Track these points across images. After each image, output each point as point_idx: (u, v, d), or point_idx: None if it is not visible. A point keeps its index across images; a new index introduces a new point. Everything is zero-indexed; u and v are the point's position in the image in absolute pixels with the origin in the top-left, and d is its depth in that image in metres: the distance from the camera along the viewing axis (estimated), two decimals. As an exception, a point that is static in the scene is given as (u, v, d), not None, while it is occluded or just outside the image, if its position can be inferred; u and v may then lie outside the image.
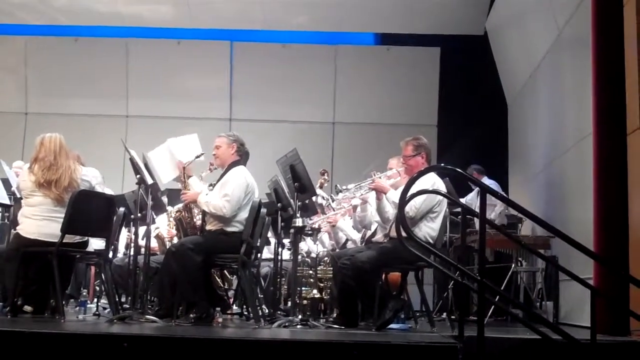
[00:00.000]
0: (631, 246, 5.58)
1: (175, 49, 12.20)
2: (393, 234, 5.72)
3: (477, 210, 4.66)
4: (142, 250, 6.82)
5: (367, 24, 11.84)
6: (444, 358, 4.11)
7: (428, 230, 5.91)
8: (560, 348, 4.29)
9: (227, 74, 12.20)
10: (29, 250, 5.68)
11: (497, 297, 5.98)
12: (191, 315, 5.88)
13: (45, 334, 4.22)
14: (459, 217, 6.61)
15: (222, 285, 7.30)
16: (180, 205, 6.76)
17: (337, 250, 7.52)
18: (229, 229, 6.08)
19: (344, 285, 5.93)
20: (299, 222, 6.07)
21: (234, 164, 6.27)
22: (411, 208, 5.69)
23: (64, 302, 5.95)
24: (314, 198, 6.96)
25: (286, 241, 7.11)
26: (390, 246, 5.86)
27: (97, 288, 8.53)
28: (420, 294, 6.22)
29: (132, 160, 6.38)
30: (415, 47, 12.10)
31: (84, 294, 7.54)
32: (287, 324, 5.69)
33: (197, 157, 6.50)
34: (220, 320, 6.04)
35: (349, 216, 7.71)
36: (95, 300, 7.87)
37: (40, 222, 5.74)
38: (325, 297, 7.11)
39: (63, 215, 5.65)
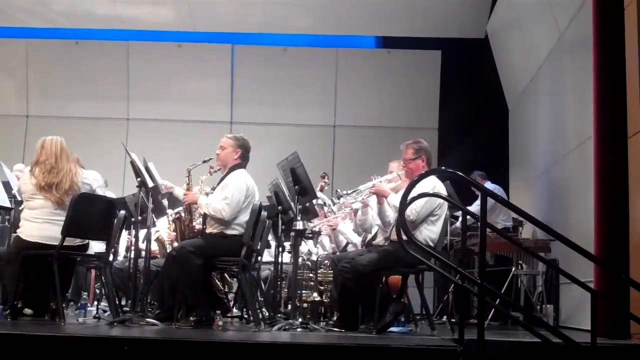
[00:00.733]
0: (631, 249, 5.57)
1: (176, 52, 12.21)
2: (394, 237, 5.72)
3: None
4: (143, 253, 6.81)
5: (368, 27, 11.85)
6: (444, 361, 4.11)
7: (429, 233, 5.91)
8: (561, 351, 4.28)
9: (228, 77, 12.21)
10: (29, 253, 5.68)
11: (498, 300, 5.97)
12: (191, 318, 5.87)
13: (45, 337, 4.22)
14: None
15: (222, 288, 7.30)
16: (181, 208, 6.76)
17: (338, 253, 7.52)
18: (230, 232, 6.08)
19: (344, 288, 5.93)
20: (299, 225, 6.07)
21: (234, 167, 6.26)
22: (412, 211, 5.69)
23: (64, 305, 5.95)
24: (314, 201, 6.95)
25: (287, 244, 7.11)
26: (391, 249, 5.86)
27: (98, 291, 8.53)
28: (420, 297, 6.21)
29: (132, 163, 6.37)
30: (416, 50, 12.10)
31: (84, 297, 7.55)
32: (287, 327, 5.69)
33: (205, 161, 6.48)
34: (220, 323, 6.04)
35: (349, 219, 7.71)
36: (96, 303, 7.87)
37: (41, 225, 5.74)
38: (325, 300, 7.11)
39: (64, 218, 5.65)
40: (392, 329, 5.79)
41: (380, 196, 6.10)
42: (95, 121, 11.94)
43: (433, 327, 5.99)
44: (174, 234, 6.89)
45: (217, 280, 7.09)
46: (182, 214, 6.70)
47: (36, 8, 11.42)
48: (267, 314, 6.63)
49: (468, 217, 4.89)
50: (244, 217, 6.10)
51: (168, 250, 6.86)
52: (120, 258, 7.98)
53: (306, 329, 5.68)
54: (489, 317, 7.39)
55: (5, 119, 12.11)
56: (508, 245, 7.65)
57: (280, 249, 6.93)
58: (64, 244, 5.61)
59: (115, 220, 6.28)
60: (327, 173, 8.27)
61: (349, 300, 5.96)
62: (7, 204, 6.93)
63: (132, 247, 6.90)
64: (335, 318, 6.45)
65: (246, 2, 11.17)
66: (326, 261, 7.45)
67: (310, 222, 7.06)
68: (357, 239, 7.50)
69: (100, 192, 6.12)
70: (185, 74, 12.23)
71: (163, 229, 7.77)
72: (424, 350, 4.20)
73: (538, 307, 8.17)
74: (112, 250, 6.64)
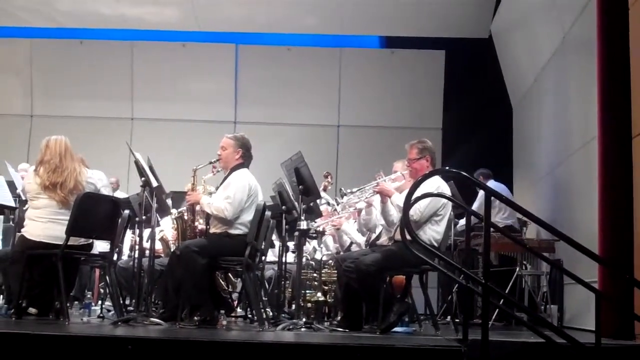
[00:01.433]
0: (636, 250, 5.57)
1: (180, 52, 12.22)
2: (398, 237, 5.71)
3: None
4: (147, 252, 6.82)
5: (371, 27, 11.84)
6: (448, 361, 4.11)
7: (432, 233, 5.91)
8: (565, 352, 4.27)
9: (232, 77, 12.22)
10: (33, 252, 5.68)
11: (502, 300, 5.97)
12: (195, 318, 5.88)
13: (49, 336, 4.23)
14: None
15: (226, 288, 7.30)
16: (184, 208, 6.77)
17: (342, 253, 7.52)
18: (233, 232, 6.08)
19: (348, 288, 5.93)
20: (303, 224, 6.07)
21: (236, 167, 6.26)
22: (415, 211, 5.69)
23: (68, 305, 5.96)
24: (318, 201, 6.95)
25: (290, 244, 7.11)
26: (395, 249, 5.86)
27: (102, 290, 8.53)
28: (424, 297, 6.20)
29: (137, 162, 6.38)
30: (420, 50, 12.10)
31: (89, 296, 7.57)
32: (291, 327, 5.70)
33: (212, 162, 6.48)
34: (224, 322, 6.04)
35: (353, 219, 7.71)
36: (100, 302, 7.87)
37: (45, 224, 5.75)
38: (329, 300, 7.11)
39: (68, 218, 5.66)
40: (396, 329, 5.79)
41: (384, 195, 6.10)
42: (100, 121, 11.95)
43: (437, 327, 5.99)
44: (176, 232, 6.90)
45: (221, 280, 7.09)
46: (185, 214, 6.70)
47: (40, 8, 11.43)
48: (271, 313, 6.63)
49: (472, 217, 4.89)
50: (248, 216, 6.10)
51: (172, 250, 6.86)
52: (124, 257, 8.00)
53: (310, 328, 5.68)
54: (493, 317, 7.39)
55: (10, 119, 12.14)
56: (512, 245, 7.64)
57: (284, 248, 6.94)
58: (69, 243, 5.62)
59: (120, 220, 6.29)
60: (330, 173, 8.27)
61: (353, 300, 5.96)
62: (12, 204, 6.94)
63: (136, 247, 6.92)
64: (339, 318, 6.45)
65: (250, 2, 11.18)
66: (330, 261, 7.45)
67: (314, 222, 7.06)
68: (361, 239, 7.50)
69: (104, 191, 6.13)
70: (190, 74, 12.25)
71: (167, 228, 7.77)
72: (428, 350, 4.20)
73: (542, 307, 8.16)
74: (117, 249, 6.65)
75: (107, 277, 6.36)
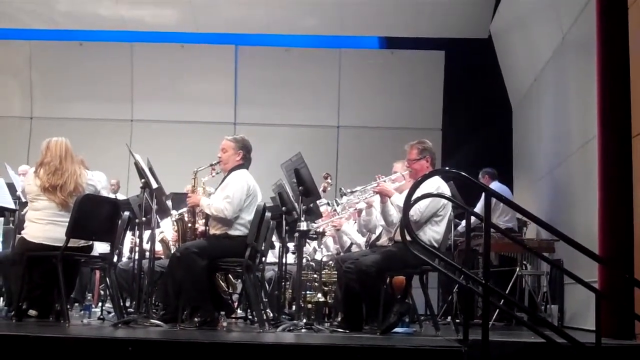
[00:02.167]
0: (636, 249, 5.57)
1: (179, 53, 12.24)
2: (398, 237, 5.71)
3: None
4: (147, 254, 6.82)
5: (371, 28, 11.86)
6: (448, 362, 4.11)
7: (433, 234, 5.91)
8: (565, 352, 4.28)
9: (231, 78, 12.23)
10: (33, 254, 5.68)
11: (502, 300, 5.97)
12: (196, 320, 5.88)
13: (49, 338, 4.23)
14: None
15: (226, 289, 7.30)
16: (184, 209, 6.76)
17: (342, 254, 7.52)
18: (234, 233, 6.08)
19: (348, 289, 5.93)
20: (303, 225, 6.07)
21: (236, 168, 6.26)
22: (415, 211, 5.68)
23: (68, 306, 5.96)
24: (318, 202, 6.95)
25: (291, 245, 7.11)
26: (395, 250, 5.86)
27: (102, 292, 8.53)
28: (424, 297, 6.20)
29: (136, 164, 6.38)
30: (420, 50, 12.12)
31: (89, 298, 7.56)
32: (291, 328, 5.69)
33: (212, 165, 6.47)
34: (224, 324, 6.04)
35: (353, 220, 7.71)
36: (100, 304, 7.87)
37: (45, 226, 5.74)
38: (329, 301, 7.11)
39: (68, 220, 5.65)
40: (397, 329, 5.79)
41: (384, 195, 6.10)
42: (99, 122, 11.96)
43: (437, 327, 5.99)
44: (176, 234, 6.90)
45: (221, 281, 7.09)
46: (185, 216, 6.70)
47: (40, 10, 11.45)
48: (271, 314, 6.63)
49: (472, 217, 4.89)
50: (247, 216, 6.10)
51: (172, 251, 6.86)
52: (124, 259, 8.00)
53: (310, 329, 5.68)
54: (494, 317, 7.39)
55: (10, 121, 12.15)
56: (512, 245, 7.65)
57: (284, 249, 6.94)
58: (69, 245, 5.62)
59: (120, 222, 6.29)
60: (329, 174, 8.26)
61: (353, 301, 5.95)
62: (12, 206, 6.94)
63: (137, 248, 6.92)
64: (339, 319, 6.45)
65: (249, 3, 11.19)
66: (330, 262, 7.45)
67: (314, 223, 7.06)
68: (361, 240, 7.50)
69: (104, 193, 6.13)
70: (189, 75, 12.26)
71: (167, 230, 7.77)
72: (429, 350, 4.20)
73: (542, 307, 8.16)
74: (117, 251, 6.65)
75: (107, 279, 6.35)
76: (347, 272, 5.87)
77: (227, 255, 6.04)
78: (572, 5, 7.94)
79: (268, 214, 6.26)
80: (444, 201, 5.85)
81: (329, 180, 8.08)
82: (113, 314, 6.39)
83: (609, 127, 5.93)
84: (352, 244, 7.79)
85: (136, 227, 7.01)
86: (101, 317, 6.48)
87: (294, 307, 6.68)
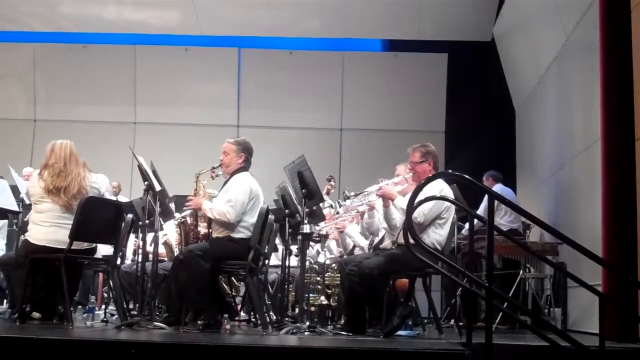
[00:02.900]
0: (640, 252, 5.56)
1: (182, 56, 12.23)
2: (401, 240, 5.71)
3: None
4: (150, 256, 6.83)
5: (374, 31, 11.85)
6: (452, 365, 4.11)
7: (436, 236, 5.90)
8: (569, 355, 4.27)
9: (234, 81, 12.23)
10: (37, 256, 5.69)
11: (505, 303, 5.96)
12: (199, 322, 5.87)
13: (53, 341, 4.23)
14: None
15: (229, 292, 7.31)
16: (187, 212, 6.77)
17: (345, 256, 7.51)
18: (237, 236, 6.08)
19: (351, 291, 5.93)
20: (306, 228, 6.07)
21: (237, 171, 6.26)
22: (419, 213, 5.68)
23: (72, 309, 5.96)
24: (321, 204, 6.95)
25: (294, 248, 7.11)
26: (398, 253, 5.85)
27: (105, 294, 8.54)
28: (428, 300, 6.20)
29: (140, 167, 6.38)
30: (423, 53, 12.10)
31: (92, 300, 7.55)
32: (294, 331, 5.69)
33: (214, 168, 6.48)
34: (228, 326, 6.04)
35: (356, 222, 7.70)
36: (103, 306, 7.88)
37: (48, 228, 5.75)
38: (332, 304, 7.10)
39: (71, 222, 5.66)
40: (400, 332, 5.78)
41: (387, 198, 6.10)
42: (103, 125, 11.96)
43: (441, 330, 5.98)
44: (179, 237, 6.91)
45: (224, 284, 7.09)
46: (188, 219, 6.71)
47: (43, 12, 11.46)
48: (274, 317, 6.63)
49: (475, 220, 4.89)
50: (250, 219, 6.10)
51: (175, 254, 6.86)
52: (127, 261, 8.00)
53: (314, 332, 5.68)
54: (497, 320, 7.37)
55: (13, 123, 12.15)
56: (516, 248, 7.63)
57: (288, 252, 6.94)
58: (72, 247, 5.62)
59: (123, 224, 6.29)
60: (332, 176, 8.26)
61: (357, 304, 5.95)
62: (15, 208, 6.95)
63: (140, 251, 6.92)
64: (342, 321, 6.45)
65: (252, 5, 11.19)
66: (333, 265, 7.45)
67: (317, 226, 7.05)
68: (365, 242, 7.49)
69: (108, 195, 6.13)
70: (192, 78, 12.26)
71: (170, 232, 7.78)
72: (432, 354, 4.19)
73: (546, 310, 8.15)
74: (120, 253, 6.65)
75: (111, 282, 6.36)
76: (350, 274, 5.87)
77: (231, 257, 6.05)
78: (575, 8, 7.93)
79: (271, 217, 6.26)
80: (447, 204, 5.85)
81: (332, 183, 8.10)
82: (116, 316, 6.39)
83: (612, 130, 5.93)
84: (355, 246, 7.78)
85: (139, 230, 7.02)
86: (104, 319, 6.48)
87: (297, 310, 6.68)
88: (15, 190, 7.29)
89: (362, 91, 12.09)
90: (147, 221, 6.50)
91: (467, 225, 8.20)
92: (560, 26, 8.51)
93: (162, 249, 7.60)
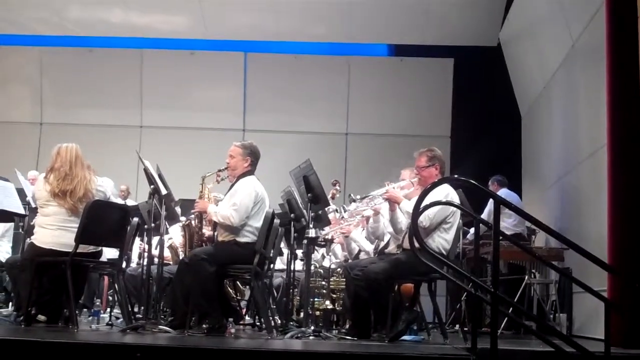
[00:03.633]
0: (646, 258, 5.55)
1: (189, 60, 12.26)
2: (406, 245, 5.71)
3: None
4: (155, 260, 6.83)
5: (380, 35, 11.86)
6: (457, 370, 4.10)
7: (441, 241, 5.89)
8: (574, 361, 4.26)
9: (240, 85, 12.25)
10: (43, 260, 5.69)
11: (511, 309, 5.95)
12: (204, 326, 5.88)
13: (58, 344, 4.24)
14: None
15: (234, 296, 7.30)
16: (192, 215, 6.78)
17: (350, 261, 7.51)
18: (242, 240, 6.08)
19: (356, 296, 5.92)
20: (312, 232, 6.07)
21: (243, 175, 6.27)
22: (425, 217, 5.67)
23: (77, 312, 5.97)
24: (326, 209, 6.95)
25: (299, 252, 7.11)
26: (403, 257, 5.85)
27: (110, 298, 8.54)
28: (433, 305, 6.19)
29: (146, 170, 6.39)
30: (429, 58, 12.10)
31: (97, 303, 7.57)
32: (299, 335, 5.69)
33: (220, 170, 6.49)
34: (232, 330, 6.03)
35: (362, 227, 7.70)
36: (109, 310, 7.89)
37: (54, 231, 5.76)
38: (337, 308, 7.10)
39: (77, 225, 5.67)
40: (405, 337, 5.77)
41: (393, 202, 6.10)
42: (109, 129, 11.99)
43: (446, 335, 5.97)
44: (184, 239, 6.92)
45: (229, 288, 7.09)
46: (193, 222, 6.72)
47: (50, 16, 11.50)
48: (279, 321, 6.63)
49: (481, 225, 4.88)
50: (255, 223, 6.11)
51: (181, 257, 6.87)
52: (133, 265, 8.01)
53: (318, 337, 5.68)
54: (502, 326, 7.36)
55: (20, 126, 12.19)
56: (521, 253, 7.62)
57: (293, 256, 6.94)
58: (78, 250, 5.63)
59: (129, 227, 6.30)
60: (338, 180, 8.27)
61: (362, 309, 5.94)
62: (21, 211, 6.96)
63: (145, 254, 6.93)
64: (347, 326, 6.45)
65: (259, 10, 11.21)
66: (338, 269, 7.45)
67: (323, 230, 7.06)
68: (370, 247, 7.49)
69: (113, 199, 6.14)
70: (198, 82, 12.28)
71: (176, 236, 7.79)
72: (437, 359, 4.19)
73: (551, 316, 8.13)
74: (125, 257, 6.66)
75: (116, 285, 6.37)
76: (356, 279, 5.87)
77: (236, 261, 6.05)
78: (581, 13, 7.93)
79: (277, 221, 6.26)
80: (453, 209, 5.84)
81: (337, 187, 8.10)
82: (121, 319, 6.40)
83: (618, 135, 5.92)
84: (360, 251, 7.79)
85: (145, 233, 7.03)
86: (110, 322, 6.49)
87: (302, 314, 6.67)
88: (21, 193, 7.30)
89: (368, 96, 12.10)
90: (152, 225, 6.50)
91: (472, 230, 8.21)
92: (566, 31, 8.51)
93: (167, 253, 7.61)
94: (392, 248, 6.41)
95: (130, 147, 10.00)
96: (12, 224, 8.10)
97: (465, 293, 7.55)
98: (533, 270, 8.08)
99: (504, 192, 9.06)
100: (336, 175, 9.13)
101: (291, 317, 7.06)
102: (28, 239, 6.39)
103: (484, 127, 11.47)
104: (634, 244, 5.64)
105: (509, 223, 8.78)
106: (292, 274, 7.00)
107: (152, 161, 6.58)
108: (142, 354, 4.07)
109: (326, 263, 7.55)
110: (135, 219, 6.68)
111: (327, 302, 7.03)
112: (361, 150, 12.04)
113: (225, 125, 11.97)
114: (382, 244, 6.94)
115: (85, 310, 7.73)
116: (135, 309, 7.24)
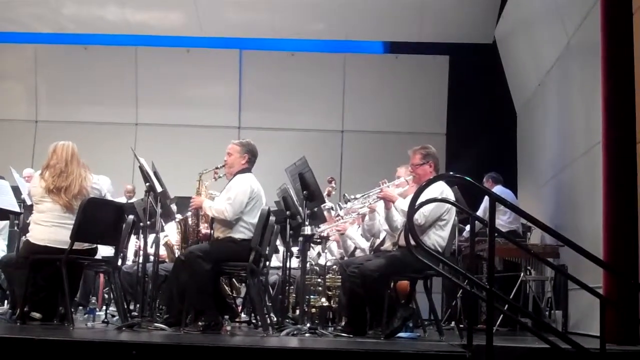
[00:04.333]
0: (641, 255, 5.56)
1: (184, 57, 12.25)
2: (402, 242, 5.71)
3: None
4: (151, 258, 6.82)
5: (375, 33, 11.86)
6: (452, 367, 4.11)
7: (437, 238, 5.90)
8: (570, 357, 4.27)
9: (236, 82, 12.24)
10: (38, 257, 5.69)
11: (506, 306, 5.96)
12: (200, 323, 5.88)
13: (53, 342, 4.23)
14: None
15: (230, 294, 7.30)
16: (189, 213, 6.78)
17: (346, 258, 7.51)
18: (238, 236, 6.08)
19: (352, 293, 5.93)
20: (307, 230, 6.07)
21: (240, 172, 6.27)
22: (420, 215, 5.67)
23: (72, 310, 5.96)
24: (322, 206, 6.95)
25: (295, 249, 7.11)
26: (399, 255, 5.85)
27: (106, 295, 8.55)
28: (428, 302, 6.20)
29: (141, 168, 6.39)
30: (424, 55, 12.11)
31: (93, 301, 7.56)
32: (295, 332, 5.69)
33: (218, 168, 6.49)
34: (228, 328, 6.04)
35: (357, 225, 7.70)
36: (104, 307, 7.88)
37: (49, 228, 5.75)
38: (333, 306, 7.10)
39: (72, 222, 5.66)
40: (400, 334, 5.78)
41: (388, 201, 6.10)
42: (104, 126, 11.97)
43: (441, 332, 5.97)
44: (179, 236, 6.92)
45: (225, 285, 7.09)
46: (190, 218, 6.71)
47: (45, 14, 11.47)
48: (275, 319, 6.63)
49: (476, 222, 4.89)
50: (251, 219, 6.11)
51: (176, 255, 6.87)
52: (128, 263, 8.00)
53: (314, 334, 5.68)
54: (498, 322, 7.37)
55: (14, 124, 12.17)
56: (516, 250, 7.63)
57: (289, 254, 6.94)
58: (73, 248, 5.62)
59: (124, 225, 6.29)
60: (333, 178, 8.27)
61: (357, 306, 5.95)
62: (17, 209, 6.96)
63: (141, 252, 6.93)
64: (343, 323, 6.44)
65: (254, 7, 11.21)
66: (334, 266, 7.45)
67: (319, 227, 7.06)
68: (365, 244, 7.49)
69: (109, 197, 6.14)
70: (194, 79, 12.27)
71: (171, 233, 7.78)
72: (433, 355, 4.19)
73: (547, 312, 8.15)
74: (121, 254, 6.65)
75: (112, 283, 6.36)
76: (351, 276, 5.87)
77: (232, 259, 6.05)
78: (576, 10, 7.94)
79: (272, 218, 6.26)
80: (448, 206, 5.85)
81: (333, 185, 8.10)
82: (117, 317, 6.39)
83: (613, 132, 5.94)
84: (356, 248, 7.78)
85: (140, 231, 7.02)
86: (105, 320, 6.48)
87: (297, 312, 6.68)
88: (16, 191, 7.29)
89: (364, 93, 12.10)
90: (148, 222, 6.50)
91: (467, 227, 8.22)
92: (561, 28, 8.51)
93: (163, 250, 7.61)
94: (387, 245, 6.41)
95: (125, 144, 9.95)
96: (7, 222, 8.10)
97: (461, 290, 7.55)
98: (528, 267, 8.09)
99: (498, 189, 9.06)
100: (332, 172, 9.13)
101: (287, 315, 7.07)
102: (23, 236, 6.38)
103: (479, 124, 11.49)
104: (629, 240, 5.65)
105: (504, 220, 8.80)
106: (287, 271, 7.00)
107: (148, 158, 6.57)
108: (137, 352, 4.06)
109: (322, 260, 7.55)
110: (131, 217, 6.67)
111: (323, 300, 7.03)
112: (357, 147, 12.03)
113: (221, 123, 11.96)
114: (378, 241, 6.94)
115: (80, 308, 7.72)
116: (131, 307, 7.24)
